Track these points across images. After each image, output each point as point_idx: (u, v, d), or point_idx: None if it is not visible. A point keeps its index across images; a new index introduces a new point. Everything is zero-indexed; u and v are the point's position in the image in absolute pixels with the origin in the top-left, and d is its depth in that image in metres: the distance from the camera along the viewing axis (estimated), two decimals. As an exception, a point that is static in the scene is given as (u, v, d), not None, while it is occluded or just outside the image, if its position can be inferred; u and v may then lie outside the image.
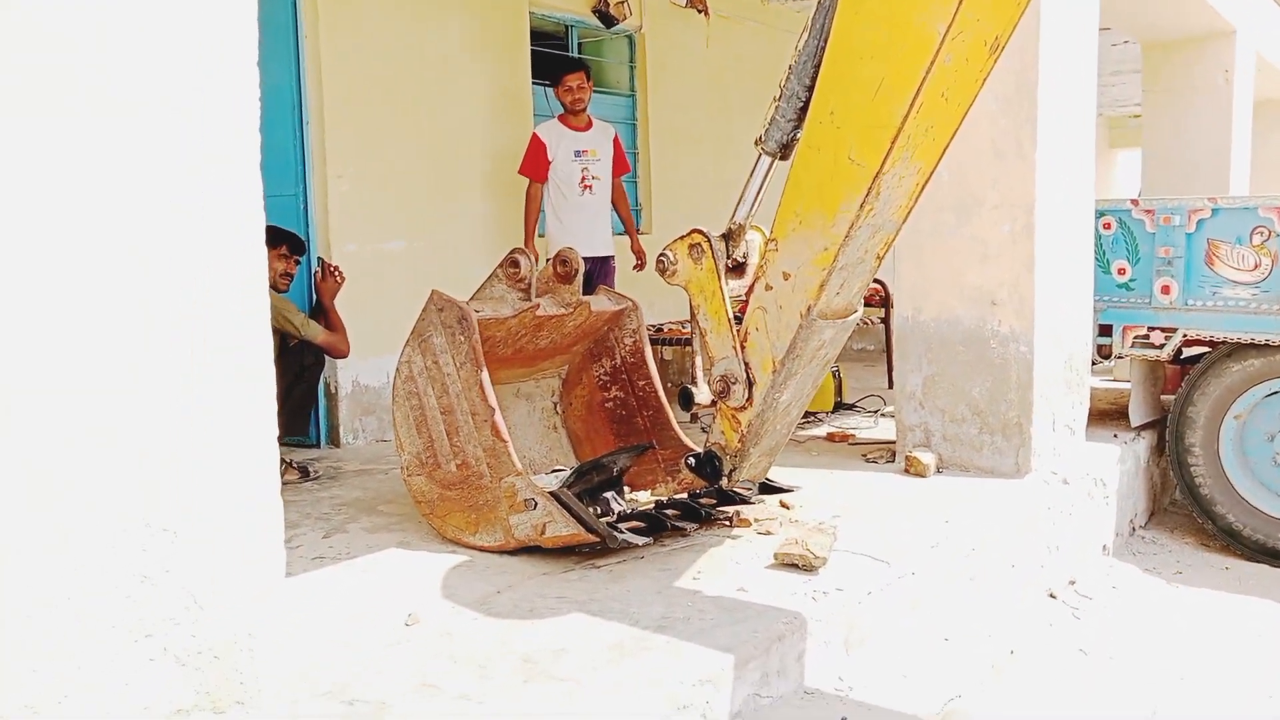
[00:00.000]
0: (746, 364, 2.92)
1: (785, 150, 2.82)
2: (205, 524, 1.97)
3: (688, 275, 3.02)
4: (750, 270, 3.04)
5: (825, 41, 2.56)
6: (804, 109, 2.69)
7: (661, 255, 3.06)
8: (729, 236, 3.03)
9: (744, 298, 3.00)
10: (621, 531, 2.96)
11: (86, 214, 1.83)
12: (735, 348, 2.93)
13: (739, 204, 3.00)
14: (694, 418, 4.30)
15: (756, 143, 2.86)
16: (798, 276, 2.75)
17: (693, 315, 3.04)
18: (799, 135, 2.73)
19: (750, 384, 2.93)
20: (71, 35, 1.78)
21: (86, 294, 1.83)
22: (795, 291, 2.77)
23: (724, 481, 3.15)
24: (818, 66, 2.61)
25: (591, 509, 3.12)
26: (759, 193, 2.96)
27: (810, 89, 2.65)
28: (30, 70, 1.74)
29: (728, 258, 3.02)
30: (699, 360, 3.08)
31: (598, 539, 2.90)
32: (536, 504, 2.98)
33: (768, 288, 2.84)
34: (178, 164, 1.93)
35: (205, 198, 1.98)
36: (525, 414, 3.87)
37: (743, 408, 2.97)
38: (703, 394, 3.08)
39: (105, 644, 1.85)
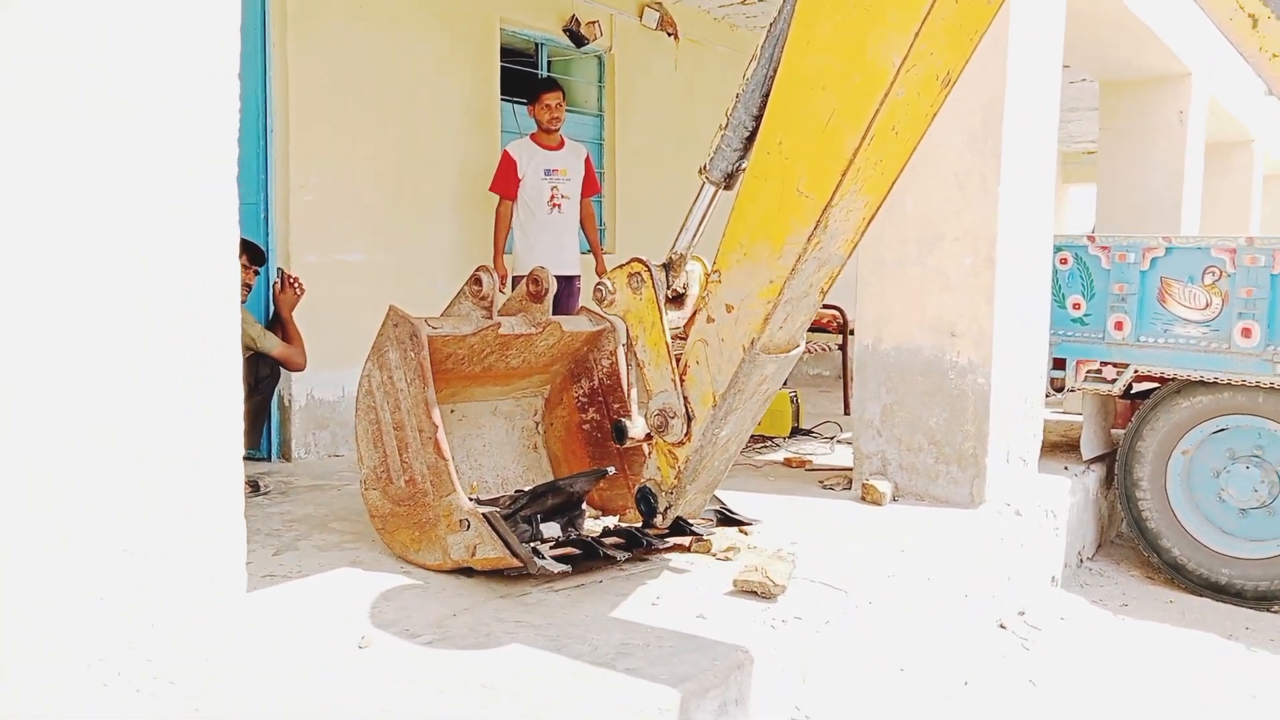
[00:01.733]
0: (686, 398, 2.83)
1: (730, 180, 2.76)
2: (165, 541, 1.93)
3: (626, 305, 2.93)
4: (690, 301, 2.95)
5: (775, 70, 2.51)
6: (750, 139, 2.63)
7: (599, 284, 2.96)
8: (669, 266, 2.94)
9: (683, 329, 2.91)
10: (543, 556, 2.91)
11: (87, 214, 1.81)
12: (674, 381, 2.84)
13: (680, 233, 2.91)
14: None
15: (700, 171, 2.80)
16: (741, 309, 2.68)
17: (629, 347, 2.93)
18: (745, 165, 2.67)
19: (689, 418, 2.83)
20: (71, 35, 1.77)
21: (87, 294, 1.81)
22: (738, 324, 2.69)
23: (658, 519, 3.06)
24: (766, 95, 2.55)
25: (528, 531, 3.07)
26: (701, 222, 2.89)
27: (758, 119, 2.59)
28: (30, 70, 1.73)
29: (668, 288, 2.93)
30: (633, 393, 2.99)
31: (520, 563, 2.87)
32: (469, 525, 2.96)
33: (709, 320, 2.75)
34: (178, 164, 1.93)
35: (205, 198, 1.97)
36: (504, 433, 3.84)
37: (681, 443, 2.88)
38: (637, 428, 2.99)
39: (55, 667, 1.79)
